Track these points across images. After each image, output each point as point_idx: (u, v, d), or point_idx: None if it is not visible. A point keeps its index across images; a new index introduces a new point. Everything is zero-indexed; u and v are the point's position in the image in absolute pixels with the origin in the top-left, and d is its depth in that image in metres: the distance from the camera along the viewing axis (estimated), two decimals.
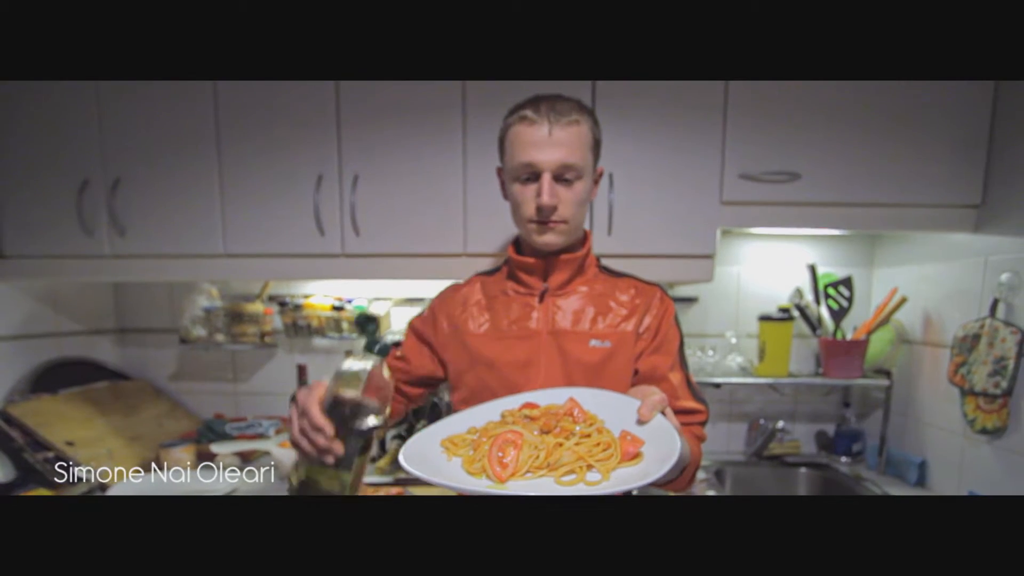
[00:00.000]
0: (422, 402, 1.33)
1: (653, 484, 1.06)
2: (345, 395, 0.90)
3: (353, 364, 0.92)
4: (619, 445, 0.78)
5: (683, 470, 1.04)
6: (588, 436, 0.81)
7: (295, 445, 0.92)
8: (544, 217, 1.12)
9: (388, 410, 0.95)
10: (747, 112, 1.64)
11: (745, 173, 1.64)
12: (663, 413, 0.83)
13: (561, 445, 0.79)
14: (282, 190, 1.74)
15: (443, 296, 1.32)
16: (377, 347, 0.93)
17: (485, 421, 0.90)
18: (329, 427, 0.88)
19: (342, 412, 0.90)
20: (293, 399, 0.93)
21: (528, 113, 1.10)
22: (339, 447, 0.88)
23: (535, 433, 0.81)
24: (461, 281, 1.35)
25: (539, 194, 1.10)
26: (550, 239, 1.15)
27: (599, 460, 0.76)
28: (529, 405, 0.92)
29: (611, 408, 0.87)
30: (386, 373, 0.95)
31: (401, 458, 0.79)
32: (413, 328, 1.33)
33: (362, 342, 0.98)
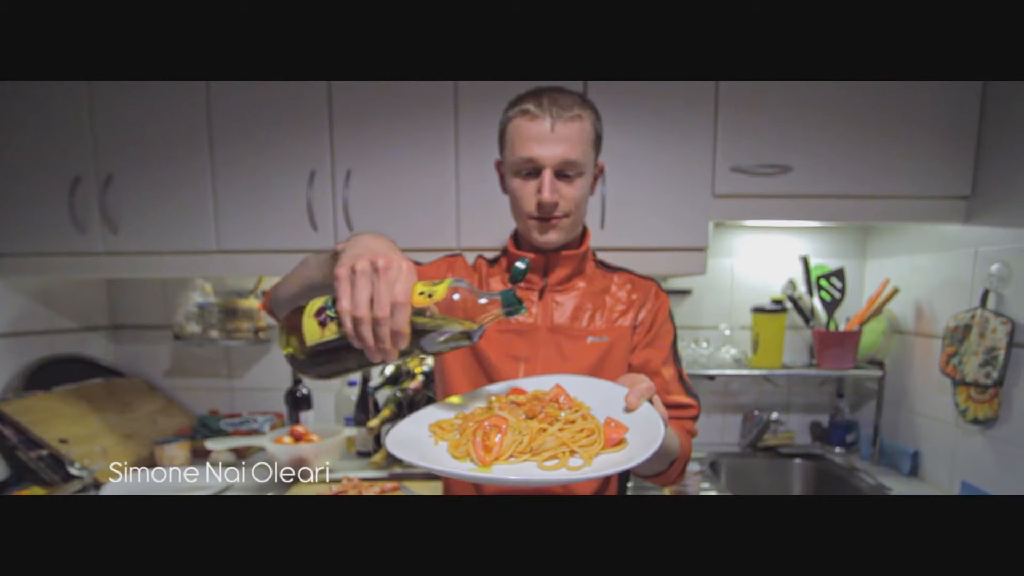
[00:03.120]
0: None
1: (639, 475, 1.06)
2: (446, 321, 0.75)
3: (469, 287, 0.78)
4: (603, 431, 0.78)
5: (672, 463, 1.05)
6: (573, 422, 0.81)
7: (354, 329, 0.72)
8: (545, 213, 1.10)
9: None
10: (738, 106, 1.64)
11: (737, 166, 1.65)
12: (651, 401, 0.83)
13: (545, 431, 0.79)
14: (275, 186, 1.74)
15: (452, 263, 1.27)
16: (515, 306, 0.79)
17: (473, 407, 0.90)
18: (408, 337, 0.72)
19: (425, 325, 0.75)
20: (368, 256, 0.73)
21: (530, 107, 1.07)
22: (395, 354, 0.73)
23: (520, 418, 0.81)
24: (469, 257, 1.31)
25: (540, 190, 1.07)
26: (551, 237, 1.13)
27: (582, 446, 0.76)
28: (517, 391, 0.92)
29: (599, 395, 0.87)
30: (474, 341, 0.81)
31: (388, 441, 0.78)
32: (422, 271, 1.23)
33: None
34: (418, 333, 0.75)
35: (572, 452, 0.76)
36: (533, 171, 1.09)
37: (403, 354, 0.77)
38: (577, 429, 0.79)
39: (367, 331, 0.71)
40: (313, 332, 0.78)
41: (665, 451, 0.97)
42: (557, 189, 1.08)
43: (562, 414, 0.82)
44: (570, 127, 1.06)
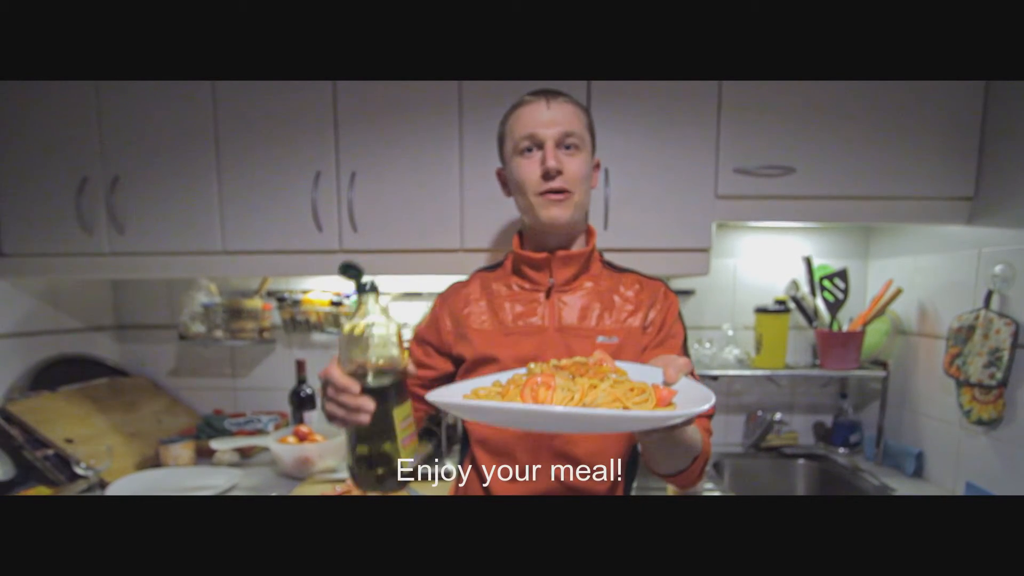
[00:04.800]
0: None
1: (661, 474, 1.05)
2: (353, 354, 0.90)
3: (354, 322, 0.91)
4: (654, 391, 0.76)
5: (694, 459, 1.02)
6: (621, 383, 0.78)
7: (332, 419, 0.91)
8: (550, 182, 1.13)
9: (405, 357, 0.94)
10: (741, 106, 1.64)
11: (740, 167, 1.65)
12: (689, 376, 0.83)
13: (595, 387, 0.76)
14: (280, 187, 1.74)
15: (445, 296, 1.31)
16: (368, 285, 0.92)
17: (510, 377, 0.88)
18: (354, 385, 0.87)
19: (359, 371, 0.89)
20: (324, 384, 0.91)
21: (525, 98, 1.17)
22: (369, 403, 0.87)
23: (567, 378, 0.79)
24: (463, 278, 1.34)
25: (544, 161, 1.13)
26: (556, 214, 1.15)
27: (635, 403, 0.73)
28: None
29: (636, 374, 0.85)
30: (390, 324, 0.93)
31: (430, 397, 0.78)
32: (418, 336, 1.31)
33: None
34: (374, 391, 0.89)
35: (625, 408, 0.73)
36: (536, 145, 1.15)
37: (379, 403, 0.89)
38: (627, 388, 0.76)
39: (337, 410, 0.89)
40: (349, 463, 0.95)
41: (690, 444, 0.96)
42: (559, 158, 1.13)
43: (612, 376, 0.80)
44: (564, 106, 1.15)
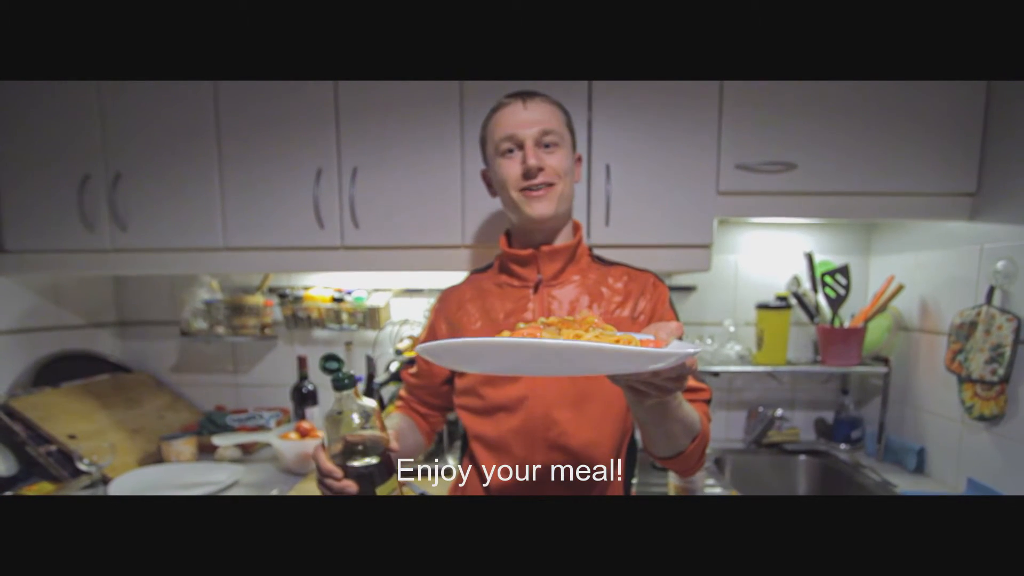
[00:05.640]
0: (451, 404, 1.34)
1: (659, 457, 1.04)
2: (337, 437, 0.96)
3: (334, 413, 0.97)
4: (640, 343, 0.72)
5: (693, 439, 1.01)
6: (607, 336, 0.75)
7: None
8: (531, 178, 1.16)
9: (388, 436, 0.99)
10: (743, 103, 1.64)
11: (741, 163, 1.64)
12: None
13: (581, 336, 0.74)
14: (282, 184, 1.74)
15: (439, 301, 1.34)
16: (346, 381, 0.97)
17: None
18: (336, 471, 0.94)
19: (344, 454, 0.96)
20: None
21: (502, 100, 1.21)
22: (351, 486, 0.94)
23: (554, 331, 0.77)
24: (461, 276, 1.37)
25: (524, 160, 1.15)
26: (540, 208, 1.17)
27: None
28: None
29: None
30: (370, 403, 0.99)
31: (418, 348, 0.76)
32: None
33: (335, 368, 1.04)
34: (359, 474, 0.95)
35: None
36: (516, 146, 1.18)
37: (363, 483, 0.95)
38: (614, 339, 0.74)
39: (324, 490, 0.95)
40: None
41: (687, 420, 0.96)
42: (539, 156, 1.16)
43: (597, 329, 0.79)
44: (541, 105, 1.18)
